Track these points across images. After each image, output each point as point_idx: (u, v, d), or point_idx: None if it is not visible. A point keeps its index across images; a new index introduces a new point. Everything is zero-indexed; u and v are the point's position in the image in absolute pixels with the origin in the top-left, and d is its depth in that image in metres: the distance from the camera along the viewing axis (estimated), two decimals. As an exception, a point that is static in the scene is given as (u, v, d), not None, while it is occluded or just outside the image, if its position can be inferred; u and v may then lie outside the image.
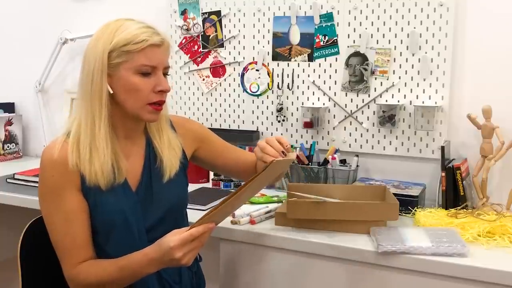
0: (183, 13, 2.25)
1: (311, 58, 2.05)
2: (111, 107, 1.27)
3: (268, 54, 2.12)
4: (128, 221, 1.30)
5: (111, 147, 1.27)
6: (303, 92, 2.08)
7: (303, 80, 2.07)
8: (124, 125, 1.32)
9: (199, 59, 2.25)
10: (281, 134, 2.13)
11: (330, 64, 2.02)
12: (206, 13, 2.21)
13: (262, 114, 2.16)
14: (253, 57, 2.15)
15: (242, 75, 2.18)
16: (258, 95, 2.17)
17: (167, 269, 1.33)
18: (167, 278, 1.36)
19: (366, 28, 1.95)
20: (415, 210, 1.68)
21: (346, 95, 2.01)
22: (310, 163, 1.96)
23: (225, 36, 2.19)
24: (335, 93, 2.03)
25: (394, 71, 1.93)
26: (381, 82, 1.95)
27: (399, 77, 1.92)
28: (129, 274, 1.24)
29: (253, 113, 2.18)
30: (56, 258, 1.29)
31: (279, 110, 2.10)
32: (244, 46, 2.17)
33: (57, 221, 1.27)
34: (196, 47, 2.25)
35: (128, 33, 1.24)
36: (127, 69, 1.25)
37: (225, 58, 2.20)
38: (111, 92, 1.26)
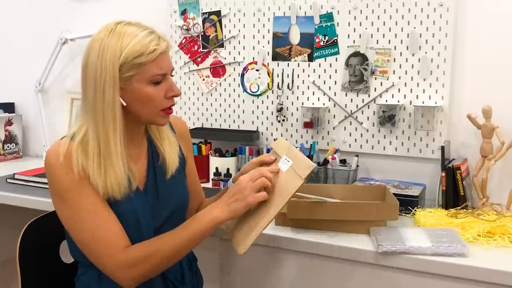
0: (183, 13, 2.25)
1: (311, 58, 2.05)
2: (122, 115, 1.25)
3: (268, 54, 2.12)
4: (140, 221, 1.29)
5: (126, 157, 1.25)
6: (303, 92, 2.08)
7: (303, 80, 2.07)
8: (130, 130, 1.31)
9: (199, 59, 2.25)
10: (281, 134, 2.13)
11: (330, 64, 2.02)
12: (206, 13, 2.21)
13: (262, 114, 2.16)
14: (253, 57, 2.15)
15: (242, 75, 2.18)
16: (258, 95, 2.17)
17: (170, 269, 1.34)
18: (171, 278, 1.37)
19: (366, 28, 1.95)
20: (415, 210, 1.68)
21: (346, 95, 2.01)
22: (310, 163, 1.96)
23: (225, 36, 2.19)
24: (335, 93, 2.03)
25: (394, 71, 1.93)
26: (381, 82, 1.95)
27: (399, 77, 1.92)
28: (194, 228, 1.23)
29: (253, 113, 2.18)
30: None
31: (279, 110, 2.10)
32: (244, 46, 2.17)
33: (84, 217, 1.22)
34: (196, 47, 2.25)
35: (136, 44, 1.21)
36: (139, 80, 1.23)
37: (225, 58, 2.20)
38: (124, 104, 1.24)
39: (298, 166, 1.28)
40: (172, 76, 1.32)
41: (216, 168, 2.09)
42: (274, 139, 2.13)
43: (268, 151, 2.05)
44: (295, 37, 2.07)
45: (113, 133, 1.22)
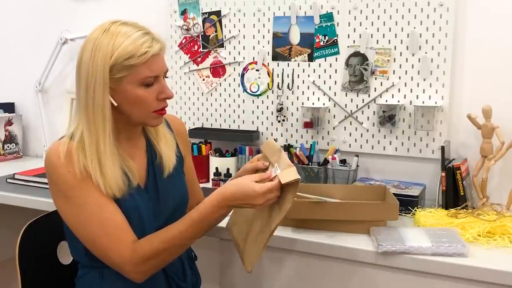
0: (183, 13, 2.25)
1: (311, 58, 2.05)
2: (114, 115, 1.25)
3: (268, 54, 2.12)
4: (143, 219, 1.29)
5: (118, 157, 1.26)
6: (303, 92, 2.08)
7: (303, 80, 2.07)
8: (126, 130, 1.32)
9: (199, 59, 2.25)
10: (281, 134, 2.13)
11: (330, 64, 2.02)
12: (206, 13, 2.21)
13: (262, 114, 2.16)
14: (253, 57, 2.15)
15: (242, 75, 2.18)
16: (258, 95, 2.16)
17: (172, 267, 1.35)
18: (173, 276, 1.38)
19: (366, 28, 1.95)
20: (415, 210, 1.68)
21: (346, 95, 2.01)
22: (310, 163, 1.96)
23: (225, 36, 2.19)
24: (335, 93, 2.03)
25: (394, 71, 1.93)
26: (381, 82, 1.95)
27: (399, 77, 1.92)
28: (200, 224, 1.23)
29: (253, 113, 2.18)
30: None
31: (279, 110, 2.10)
32: (244, 46, 2.17)
33: (90, 213, 1.22)
34: (196, 47, 2.25)
35: (128, 45, 1.21)
36: (130, 82, 1.23)
37: (225, 58, 2.20)
38: (115, 104, 1.24)
39: (286, 178, 1.23)
40: (166, 77, 1.31)
41: (216, 168, 2.09)
42: (275, 139, 2.13)
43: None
44: (295, 37, 2.07)
45: (102, 133, 1.23)
